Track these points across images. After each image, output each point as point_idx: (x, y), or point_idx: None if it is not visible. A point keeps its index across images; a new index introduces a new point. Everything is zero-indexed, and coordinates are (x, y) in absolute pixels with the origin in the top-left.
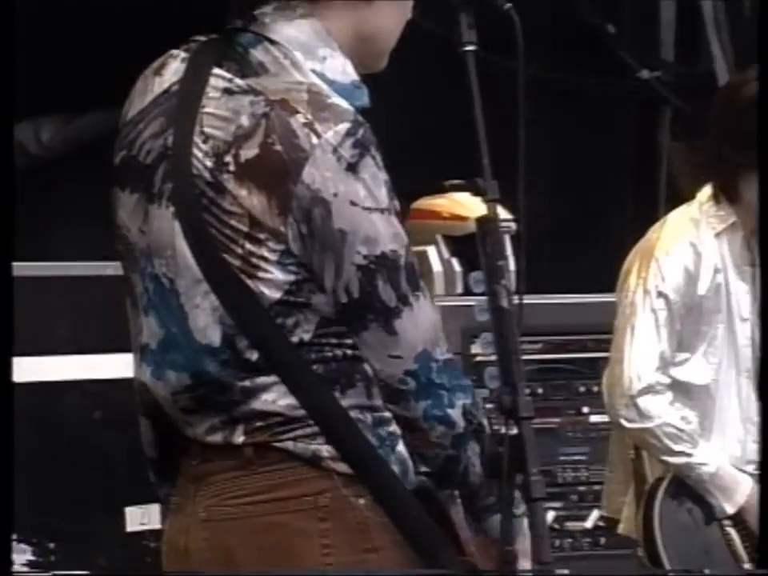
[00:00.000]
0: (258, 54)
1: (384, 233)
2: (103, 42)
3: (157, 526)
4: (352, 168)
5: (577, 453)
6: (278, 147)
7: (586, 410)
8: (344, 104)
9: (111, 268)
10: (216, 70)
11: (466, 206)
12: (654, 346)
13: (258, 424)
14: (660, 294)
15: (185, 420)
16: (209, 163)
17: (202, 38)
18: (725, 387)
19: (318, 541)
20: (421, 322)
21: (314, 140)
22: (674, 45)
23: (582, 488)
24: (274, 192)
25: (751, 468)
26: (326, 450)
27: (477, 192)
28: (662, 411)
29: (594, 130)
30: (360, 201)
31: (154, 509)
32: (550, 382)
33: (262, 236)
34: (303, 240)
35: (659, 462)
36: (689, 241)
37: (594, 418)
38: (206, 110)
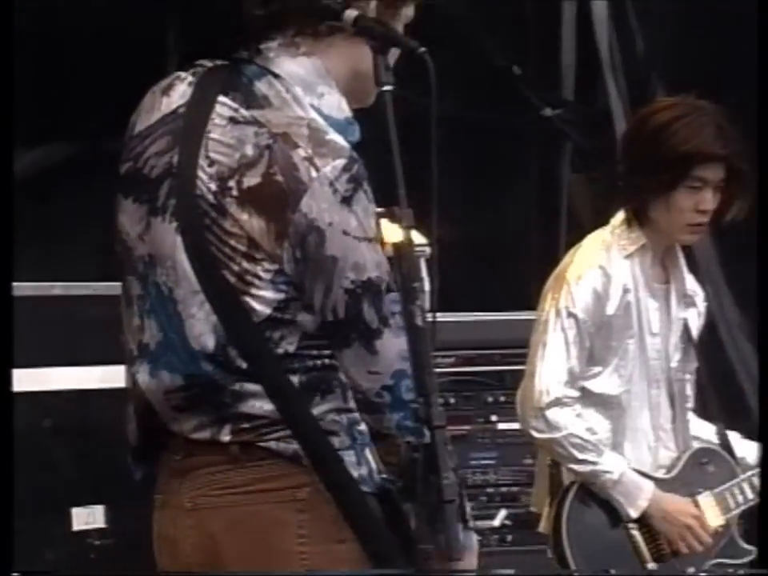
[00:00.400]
0: (262, 86)
1: (371, 260)
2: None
3: (101, 525)
4: (346, 201)
5: (485, 458)
6: (280, 178)
7: (494, 418)
8: (341, 140)
9: (58, 288)
10: (222, 98)
11: (384, 232)
12: (563, 362)
13: (245, 425)
14: (570, 315)
15: (173, 417)
16: (213, 186)
17: (208, 63)
18: (636, 397)
19: (294, 530)
20: (398, 343)
21: (313, 173)
22: (574, 85)
23: (490, 489)
24: (273, 218)
25: (662, 472)
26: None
27: (393, 219)
28: (569, 423)
29: (502, 162)
30: (351, 231)
31: (99, 509)
32: (461, 393)
33: (258, 256)
34: (297, 263)
35: (567, 470)
36: (598, 264)
37: (501, 426)
38: (212, 135)
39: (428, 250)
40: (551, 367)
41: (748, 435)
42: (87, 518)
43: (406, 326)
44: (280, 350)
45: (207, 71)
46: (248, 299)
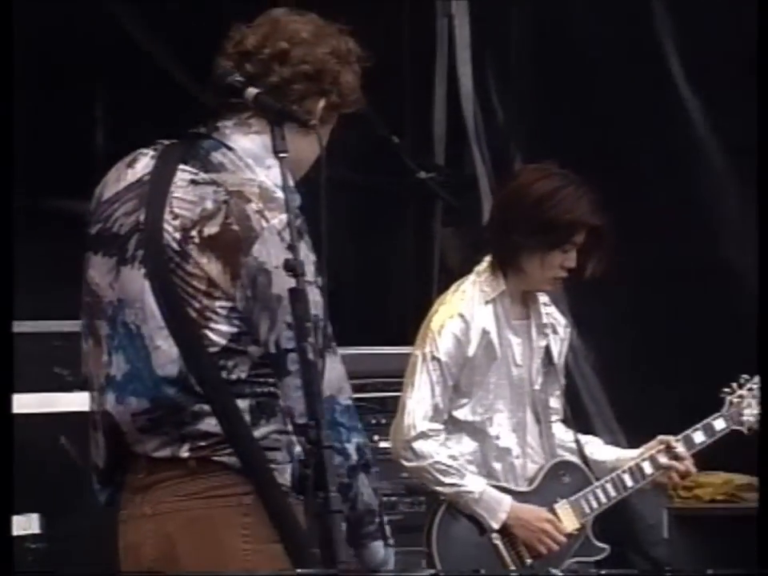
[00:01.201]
0: (218, 156)
1: (311, 300)
2: None
3: (36, 531)
4: (290, 248)
5: None
6: (235, 227)
7: (376, 437)
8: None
9: None
10: (182, 166)
11: None
12: (428, 400)
13: (201, 443)
14: (434, 359)
15: (138, 438)
16: (177, 235)
17: (166, 141)
18: (502, 422)
19: (239, 531)
20: (331, 373)
21: (264, 224)
22: (444, 152)
23: None
24: (229, 261)
25: (525, 485)
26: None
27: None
28: (434, 452)
29: (384, 217)
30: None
31: (34, 517)
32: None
33: (216, 294)
34: (248, 300)
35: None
36: (458, 313)
37: (382, 444)
38: (175, 194)
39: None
40: (418, 405)
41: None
42: (24, 524)
43: (300, 360)
44: (233, 377)
45: (168, 146)
46: (206, 332)
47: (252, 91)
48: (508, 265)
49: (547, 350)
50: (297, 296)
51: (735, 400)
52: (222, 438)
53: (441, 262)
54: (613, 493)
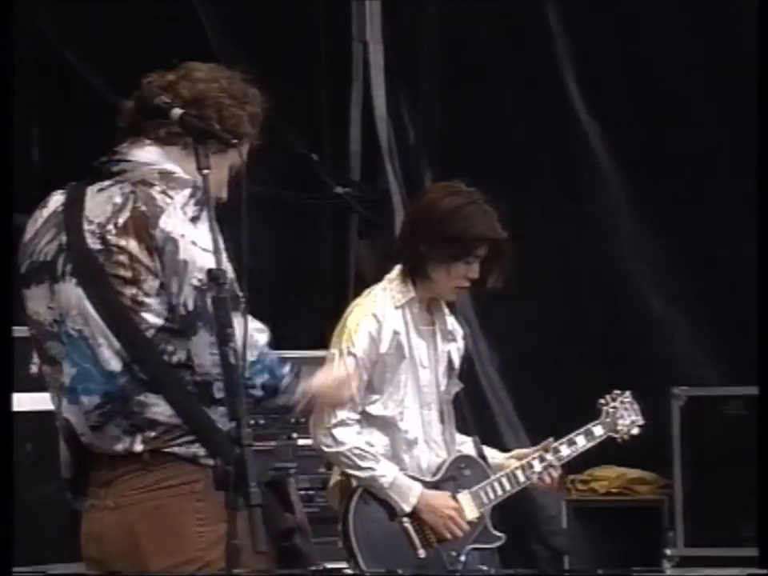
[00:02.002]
0: (118, 167)
1: (213, 265)
2: None
3: None
4: (194, 220)
5: (287, 467)
6: (143, 208)
7: (294, 435)
8: (186, 176)
9: None
10: (89, 187)
11: None
12: None
13: (151, 433)
14: (350, 354)
15: (94, 436)
16: (97, 236)
17: (74, 183)
18: (410, 418)
19: (194, 515)
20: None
21: (168, 200)
22: (360, 168)
23: None
24: (143, 238)
25: (430, 476)
26: (202, 451)
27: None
28: (351, 439)
29: (302, 230)
30: (198, 242)
31: None
32: (269, 416)
33: (142, 276)
34: (162, 270)
35: (352, 477)
36: (372, 313)
37: (300, 441)
38: (87, 205)
39: (243, 302)
40: None
41: (495, 444)
42: None
43: (222, 364)
44: (174, 359)
45: (75, 184)
46: (142, 315)
47: (177, 111)
48: (416, 274)
49: (449, 357)
50: (219, 303)
51: (611, 410)
52: (169, 427)
53: (356, 271)
54: (507, 486)
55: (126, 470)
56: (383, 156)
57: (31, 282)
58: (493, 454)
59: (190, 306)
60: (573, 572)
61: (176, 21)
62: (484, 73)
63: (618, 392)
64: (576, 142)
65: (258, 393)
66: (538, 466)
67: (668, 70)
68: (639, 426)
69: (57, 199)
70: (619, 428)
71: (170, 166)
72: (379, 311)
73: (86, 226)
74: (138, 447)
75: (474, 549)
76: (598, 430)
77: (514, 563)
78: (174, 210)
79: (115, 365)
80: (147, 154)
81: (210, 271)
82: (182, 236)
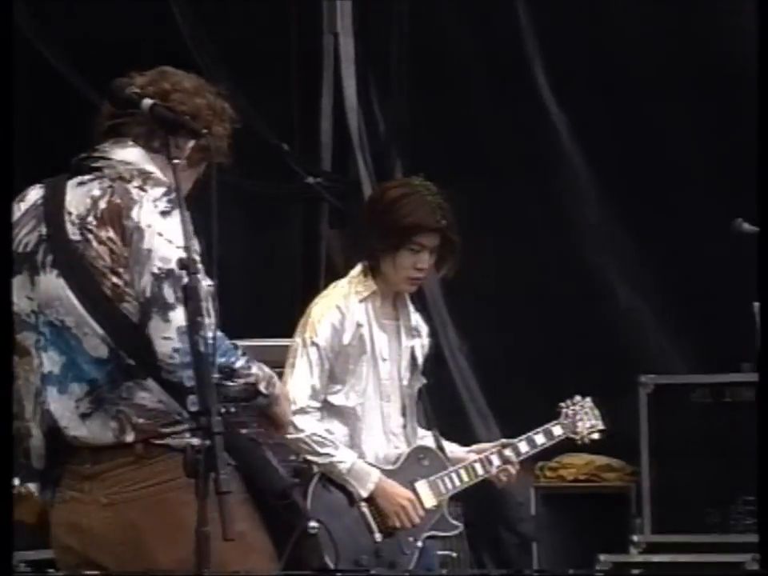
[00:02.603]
0: (98, 164)
1: (174, 257)
2: None
3: None
4: (164, 214)
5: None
6: (119, 201)
7: None
8: (162, 177)
9: None
10: (69, 181)
11: None
12: (307, 380)
13: (142, 421)
14: (313, 344)
15: (81, 425)
16: (77, 227)
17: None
18: (370, 409)
19: (193, 506)
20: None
21: (142, 194)
22: (331, 159)
23: None
24: (118, 227)
25: (389, 466)
26: (195, 441)
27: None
28: (312, 426)
29: (273, 219)
30: (164, 234)
31: None
32: (241, 404)
33: (120, 266)
34: (130, 259)
35: (311, 462)
36: (336, 305)
37: None
38: (68, 198)
39: (213, 288)
40: (298, 384)
41: (465, 431)
42: None
43: (192, 353)
44: None
45: (53, 179)
46: (125, 304)
47: (147, 102)
48: (373, 267)
49: (412, 352)
50: (189, 293)
51: (570, 412)
52: (158, 412)
53: (327, 260)
54: (465, 478)
55: (116, 463)
56: (354, 146)
57: (16, 272)
58: (452, 448)
59: (148, 293)
60: (543, 572)
61: (151, 15)
62: (454, 64)
63: (579, 398)
64: (546, 134)
65: (216, 375)
66: (496, 461)
67: (637, 63)
68: (599, 431)
69: (36, 193)
70: (579, 430)
71: (149, 167)
72: (343, 303)
73: (66, 218)
74: (130, 437)
75: (431, 537)
76: (557, 430)
77: (482, 549)
78: (147, 203)
79: (102, 351)
80: (128, 154)
81: (180, 260)
82: (149, 226)
